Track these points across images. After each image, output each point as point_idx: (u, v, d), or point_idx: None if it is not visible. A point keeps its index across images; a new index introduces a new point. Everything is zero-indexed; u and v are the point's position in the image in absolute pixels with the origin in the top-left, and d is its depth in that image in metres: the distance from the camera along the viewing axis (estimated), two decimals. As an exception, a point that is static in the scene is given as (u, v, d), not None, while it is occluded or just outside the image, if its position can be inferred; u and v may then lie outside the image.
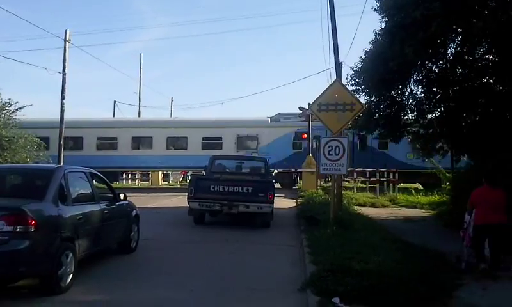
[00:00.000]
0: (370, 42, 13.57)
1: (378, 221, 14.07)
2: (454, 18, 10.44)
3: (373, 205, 19.07)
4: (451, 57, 12.63)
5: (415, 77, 13.51)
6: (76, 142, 28.08)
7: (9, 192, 6.95)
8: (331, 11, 13.69)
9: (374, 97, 14.01)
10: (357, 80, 14.04)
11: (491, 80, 12.42)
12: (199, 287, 6.75)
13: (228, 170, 15.03)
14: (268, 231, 12.35)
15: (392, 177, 23.09)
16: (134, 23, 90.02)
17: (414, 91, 14.05)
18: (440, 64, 12.93)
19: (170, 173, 35.95)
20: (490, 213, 7.70)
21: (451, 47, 12.62)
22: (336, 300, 5.66)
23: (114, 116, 39.26)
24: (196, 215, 12.87)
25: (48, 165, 13.30)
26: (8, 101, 23.16)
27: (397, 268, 6.83)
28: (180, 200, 16.80)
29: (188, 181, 20.01)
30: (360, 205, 18.13)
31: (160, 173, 33.60)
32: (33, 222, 5.68)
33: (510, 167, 10.04)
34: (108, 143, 28.56)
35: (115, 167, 28.06)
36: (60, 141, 24.79)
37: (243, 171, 15.12)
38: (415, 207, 18.78)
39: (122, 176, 33.66)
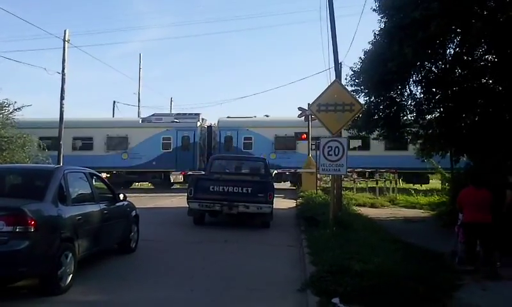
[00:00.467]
0: (369, 42, 13.58)
1: (378, 222, 14.09)
2: (453, 18, 10.44)
3: (373, 206, 19.10)
4: (450, 58, 12.63)
5: (414, 78, 13.51)
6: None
7: (9, 193, 6.96)
8: (330, 12, 13.70)
9: (373, 97, 14.01)
10: (356, 80, 14.05)
11: (490, 81, 12.43)
12: (199, 287, 6.75)
13: (227, 170, 15.03)
14: (268, 232, 12.36)
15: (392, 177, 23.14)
16: (133, 23, 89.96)
17: (413, 92, 14.06)
18: (439, 64, 12.93)
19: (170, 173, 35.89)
20: (476, 213, 7.95)
21: (450, 47, 12.63)
22: (336, 300, 5.66)
23: (113, 116, 39.24)
24: (196, 215, 12.88)
25: (48, 165, 13.29)
26: (5, 101, 23.14)
27: (397, 268, 6.84)
28: (180, 200, 16.80)
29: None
30: (360, 206, 18.16)
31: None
32: (33, 222, 5.68)
33: (509, 167, 10.10)
34: None
35: None
36: (60, 140, 24.78)
37: (243, 171, 15.12)
38: (414, 208, 18.81)
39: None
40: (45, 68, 43.02)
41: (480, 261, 7.97)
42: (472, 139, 12.29)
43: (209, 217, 13.60)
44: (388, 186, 23.69)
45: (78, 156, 25.83)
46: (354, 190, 23.71)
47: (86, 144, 28.20)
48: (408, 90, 14.03)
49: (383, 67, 11.62)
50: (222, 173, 14.36)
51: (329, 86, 11.31)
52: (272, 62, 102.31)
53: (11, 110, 23.38)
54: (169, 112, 29.57)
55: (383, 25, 12.84)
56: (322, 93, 10.91)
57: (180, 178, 29.46)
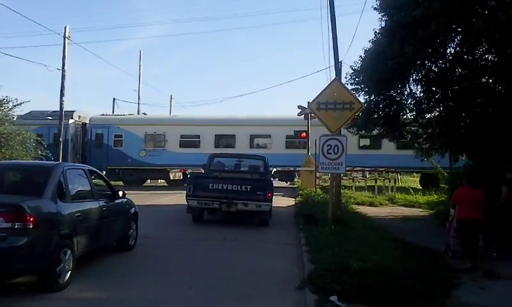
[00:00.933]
0: (369, 41, 13.58)
1: (376, 220, 14.10)
2: (454, 17, 10.43)
3: (371, 204, 19.13)
4: (450, 57, 12.63)
5: (414, 77, 13.50)
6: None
7: (8, 189, 6.95)
8: (331, 10, 13.68)
9: (373, 96, 14.01)
10: (356, 79, 14.04)
11: (490, 80, 12.42)
12: (197, 285, 6.75)
13: (227, 168, 15.03)
14: (267, 230, 12.36)
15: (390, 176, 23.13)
16: (133, 20, 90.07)
17: (413, 91, 14.05)
18: (440, 63, 12.92)
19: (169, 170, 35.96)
20: (470, 210, 8.41)
21: (451, 46, 12.63)
22: (334, 298, 5.67)
23: (113, 113, 39.18)
24: (195, 213, 12.88)
25: (47, 162, 13.27)
26: (5, 98, 23.11)
27: (395, 267, 6.86)
28: (179, 198, 16.81)
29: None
30: (359, 204, 18.18)
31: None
32: (32, 219, 5.68)
33: (508, 166, 10.12)
34: None
35: None
36: (60, 137, 24.77)
37: (242, 169, 15.12)
38: (413, 206, 18.84)
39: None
40: (45, 65, 43.19)
41: (481, 255, 8.43)
42: (472, 139, 12.29)
43: (208, 215, 13.60)
44: (387, 185, 23.72)
45: None
46: (353, 188, 23.74)
47: None
48: (407, 89, 14.03)
49: (383, 66, 11.62)
50: (221, 170, 14.37)
51: (329, 85, 11.31)
52: (272, 60, 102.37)
53: (10, 107, 23.36)
54: (39, 109, 29.58)
55: (383, 24, 12.84)
56: (322, 92, 10.91)
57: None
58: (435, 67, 13.08)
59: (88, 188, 7.68)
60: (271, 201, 12.58)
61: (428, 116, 14.57)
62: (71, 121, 28.51)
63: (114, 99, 41.01)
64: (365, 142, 25.79)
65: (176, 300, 6.19)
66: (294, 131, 27.17)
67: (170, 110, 45.01)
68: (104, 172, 23.21)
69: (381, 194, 22.31)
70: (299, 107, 24.98)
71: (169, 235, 11.01)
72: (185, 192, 12.95)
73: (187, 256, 8.86)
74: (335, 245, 8.26)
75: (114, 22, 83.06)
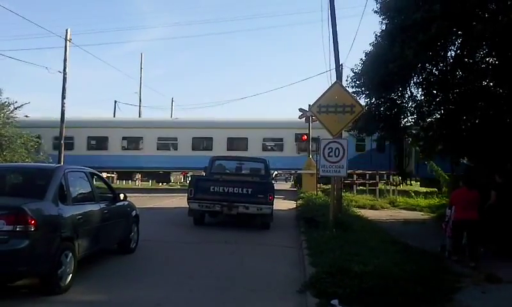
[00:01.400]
0: (370, 44, 13.60)
1: (377, 223, 14.10)
2: (454, 20, 10.44)
3: (373, 207, 19.13)
4: (451, 60, 12.63)
5: (415, 80, 13.51)
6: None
7: (9, 192, 6.96)
8: (331, 14, 13.73)
9: (374, 99, 14.01)
10: (357, 82, 14.05)
11: (491, 84, 12.42)
12: (198, 287, 6.75)
13: (228, 171, 15.04)
14: (268, 233, 12.36)
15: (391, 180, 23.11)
16: (135, 23, 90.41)
17: (414, 94, 14.06)
18: (440, 66, 12.93)
19: (170, 173, 36.02)
20: (466, 211, 8.90)
21: (451, 49, 12.63)
22: (335, 302, 5.66)
23: (114, 115, 39.24)
24: (196, 216, 12.89)
25: (49, 164, 13.30)
26: (7, 100, 23.18)
27: (396, 270, 6.84)
28: (180, 201, 16.82)
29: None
30: (360, 207, 18.17)
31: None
32: (33, 221, 5.68)
33: (509, 169, 10.15)
34: None
35: None
36: (61, 140, 24.81)
37: (243, 172, 15.14)
38: (414, 210, 18.83)
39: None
40: (46, 68, 43.31)
41: (467, 254, 8.92)
42: (473, 142, 12.29)
43: (209, 218, 13.61)
44: (388, 188, 23.71)
45: None
46: (355, 191, 23.73)
47: None
48: (408, 92, 14.03)
49: (384, 69, 11.62)
50: (222, 173, 14.38)
51: (330, 87, 11.32)
52: (273, 63, 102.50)
53: (11, 110, 23.43)
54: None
55: (384, 27, 12.86)
56: (323, 94, 10.92)
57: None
58: (436, 70, 13.08)
59: (89, 190, 7.69)
60: (272, 204, 12.59)
61: (429, 119, 14.56)
62: None
63: (115, 101, 41.17)
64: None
65: (177, 303, 6.19)
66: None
67: (171, 112, 45.16)
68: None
69: (382, 197, 22.29)
70: (300, 109, 25.02)
71: (170, 237, 11.01)
72: (186, 194, 12.96)
73: (188, 258, 8.87)
74: (336, 248, 8.25)
75: (116, 25, 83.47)
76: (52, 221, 6.23)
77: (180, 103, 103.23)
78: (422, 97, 13.97)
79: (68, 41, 25.05)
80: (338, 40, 13.69)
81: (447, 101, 13.08)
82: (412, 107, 14.34)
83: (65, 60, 25.06)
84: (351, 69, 14.53)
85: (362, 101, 13.49)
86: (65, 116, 24.91)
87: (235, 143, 27.93)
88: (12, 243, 5.54)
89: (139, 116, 39.97)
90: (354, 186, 24.49)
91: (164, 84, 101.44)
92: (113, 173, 32.71)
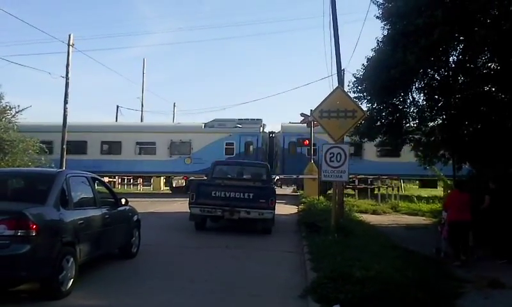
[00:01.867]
0: (372, 49, 13.60)
1: (379, 228, 14.05)
2: (456, 26, 10.46)
3: (374, 212, 19.05)
4: (453, 65, 12.64)
5: (417, 85, 13.51)
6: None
7: (11, 196, 6.96)
8: (333, 19, 13.77)
9: (375, 104, 14.00)
10: (359, 87, 14.04)
11: (493, 89, 12.41)
12: (199, 292, 6.74)
13: (229, 176, 15.02)
14: (269, 238, 12.33)
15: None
16: (138, 28, 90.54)
17: (416, 99, 14.05)
18: (442, 71, 12.93)
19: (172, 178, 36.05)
20: (459, 212, 9.37)
21: (453, 54, 12.64)
22: (336, 307, 5.64)
23: (116, 120, 39.29)
24: (198, 220, 12.86)
25: (50, 169, 13.30)
26: (8, 104, 23.20)
27: (398, 275, 6.81)
28: (182, 205, 16.80)
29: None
30: (362, 212, 18.12)
31: (161, 178, 33.61)
32: (34, 226, 5.68)
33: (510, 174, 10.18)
34: None
35: None
36: (63, 145, 24.85)
37: (245, 176, 15.10)
38: (416, 215, 18.75)
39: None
40: (49, 72, 43.45)
41: (464, 254, 9.30)
42: (475, 147, 12.27)
43: (211, 223, 13.59)
44: (390, 193, 23.65)
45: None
46: (356, 196, 23.68)
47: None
48: (410, 97, 14.02)
49: (386, 74, 11.62)
50: (224, 178, 14.35)
51: (331, 93, 11.33)
52: (275, 68, 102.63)
53: (13, 114, 23.45)
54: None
55: (386, 33, 12.87)
56: (325, 99, 10.93)
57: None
58: (438, 75, 13.09)
59: (91, 195, 7.69)
60: (274, 209, 12.56)
61: (431, 124, 14.54)
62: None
63: (117, 106, 41.21)
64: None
65: (178, 308, 6.18)
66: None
67: (173, 117, 45.23)
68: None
69: (384, 202, 22.24)
70: (302, 114, 25.00)
71: (171, 242, 11.00)
72: (187, 199, 12.95)
73: (189, 263, 8.85)
74: (337, 253, 8.23)
75: (118, 30, 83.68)
76: (54, 226, 6.23)
77: (182, 108, 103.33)
78: (424, 102, 13.97)
79: (70, 47, 25.14)
80: (340, 45, 13.73)
81: (449, 106, 13.07)
82: (414, 112, 14.33)
83: (68, 65, 25.15)
84: (353, 74, 14.54)
85: (364, 106, 13.49)
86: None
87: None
88: (13, 248, 5.54)
89: (141, 121, 39.99)
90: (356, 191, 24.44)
91: (166, 89, 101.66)
92: (114, 177, 32.77)
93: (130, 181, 34.84)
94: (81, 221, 6.86)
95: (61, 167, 23.26)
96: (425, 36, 10.30)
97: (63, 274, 6.16)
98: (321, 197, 21.55)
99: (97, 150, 28.43)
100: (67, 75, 25.08)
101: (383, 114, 14.22)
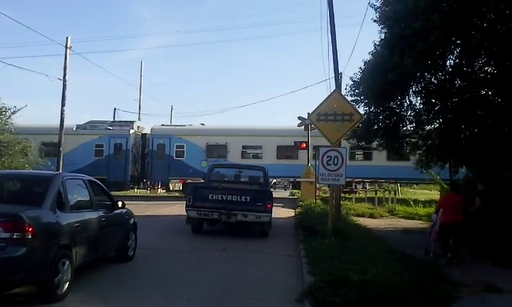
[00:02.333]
0: (369, 53, 13.61)
1: (376, 232, 14.05)
2: (453, 30, 10.48)
3: (371, 216, 19.06)
4: (450, 69, 12.66)
5: (414, 88, 13.53)
6: None
7: (7, 199, 6.92)
8: (331, 22, 13.78)
9: (373, 108, 14.01)
10: (356, 90, 14.06)
11: (489, 92, 12.44)
12: (196, 296, 6.72)
13: (226, 179, 15.02)
14: (266, 241, 12.32)
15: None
16: (136, 31, 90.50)
17: (413, 102, 14.06)
18: (439, 75, 12.95)
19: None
20: (453, 214, 9.75)
21: (450, 58, 12.66)
22: (333, 311, 5.63)
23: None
24: (194, 223, 12.85)
25: (47, 172, 13.26)
26: (3, 106, 23.11)
27: (395, 279, 6.80)
28: (179, 208, 16.78)
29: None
30: (359, 216, 18.11)
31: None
32: (30, 229, 5.66)
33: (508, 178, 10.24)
34: None
35: None
36: (59, 147, 24.77)
37: (242, 180, 15.10)
38: (413, 218, 18.77)
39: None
40: (46, 75, 43.41)
41: (452, 253, 9.65)
42: (471, 151, 12.29)
43: (208, 226, 13.57)
44: (387, 196, 23.68)
45: None
46: (353, 200, 23.70)
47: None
48: (407, 101, 14.04)
49: (383, 77, 11.64)
50: (221, 181, 14.35)
51: (329, 96, 11.34)
52: (272, 71, 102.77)
53: (8, 115, 23.35)
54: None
55: (383, 36, 12.89)
56: (322, 103, 10.93)
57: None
58: (435, 79, 13.11)
59: (87, 198, 7.66)
60: (271, 212, 12.55)
61: (428, 127, 14.57)
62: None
63: (114, 109, 41.20)
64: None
65: (174, 312, 6.16)
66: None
67: (171, 120, 45.18)
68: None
69: (381, 205, 22.25)
70: (299, 118, 25.06)
71: (168, 245, 10.97)
72: (184, 202, 12.93)
73: (186, 266, 8.83)
74: (334, 257, 8.22)
75: (116, 33, 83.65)
76: (50, 229, 6.20)
77: (180, 110, 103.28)
78: (421, 106, 13.98)
79: (68, 49, 25.09)
80: (337, 49, 13.75)
81: (446, 110, 13.09)
82: (411, 116, 14.35)
83: (65, 67, 25.07)
84: (350, 78, 14.55)
85: (361, 109, 13.50)
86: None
87: None
88: (9, 250, 5.52)
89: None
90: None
91: (164, 91, 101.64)
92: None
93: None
94: (77, 224, 6.83)
95: (57, 169, 23.18)
96: (422, 39, 10.33)
97: (59, 276, 6.13)
98: (318, 200, 21.55)
99: None
100: (64, 77, 25.01)
101: (380, 117, 14.23)
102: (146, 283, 7.39)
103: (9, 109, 23.29)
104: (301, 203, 21.78)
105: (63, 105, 25.08)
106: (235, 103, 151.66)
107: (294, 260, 9.68)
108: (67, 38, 25.29)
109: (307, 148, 25.31)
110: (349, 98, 13.38)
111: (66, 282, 6.28)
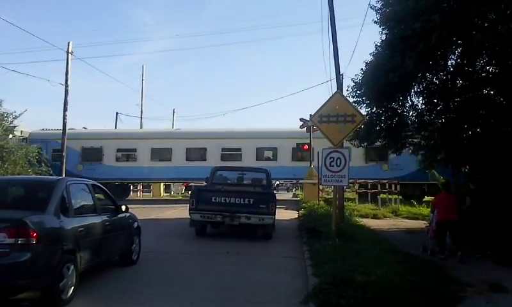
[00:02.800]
0: (370, 54, 13.60)
1: (380, 233, 14.03)
2: (454, 30, 10.47)
3: (375, 217, 19.02)
4: (451, 69, 12.63)
5: (415, 89, 13.49)
6: None
7: (11, 204, 6.95)
8: (332, 24, 13.81)
9: (374, 108, 13.99)
10: (358, 91, 14.03)
11: (491, 92, 12.42)
12: (200, 299, 6.72)
13: (229, 181, 15.01)
14: (269, 243, 12.32)
15: (393, 188, 23.05)
16: (137, 35, 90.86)
17: (415, 103, 14.01)
18: (441, 75, 12.92)
19: (172, 184, 36.05)
20: (447, 212, 10.14)
21: (451, 58, 12.63)
22: (338, 312, 5.63)
23: (116, 127, 39.29)
24: (198, 226, 12.85)
25: (50, 177, 13.29)
26: (5, 112, 23.17)
27: (400, 280, 6.80)
28: (182, 211, 16.78)
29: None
30: (362, 217, 18.07)
31: (161, 184, 33.62)
32: (35, 234, 5.67)
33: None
34: None
35: None
36: (62, 152, 24.84)
37: (245, 182, 15.10)
38: (416, 219, 18.71)
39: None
40: (48, 80, 43.48)
41: (449, 251, 9.96)
42: (474, 150, 12.27)
43: (211, 229, 13.57)
44: (390, 197, 23.63)
45: None
46: (356, 201, 23.66)
47: None
48: (409, 101, 14.01)
49: (385, 78, 11.63)
50: (224, 184, 14.35)
51: (330, 97, 11.34)
52: (274, 73, 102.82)
53: (10, 120, 23.42)
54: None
55: (384, 37, 12.88)
56: (324, 104, 10.94)
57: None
58: (436, 79, 13.08)
59: (91, 203, 7.69)
60: (274, 214, 12.55)
61: (430, 128, 14.54)
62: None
63: (116, 113, 41.24)
64: None
65: (179, 316, 6.16)
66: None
67: (173, 123, 45.26)
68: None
69: (384, 206, 22.21)
70: (301, 119, 25.03)
71: (172, 249, 10.98)
72: (187, 205, 12.95)
73: (189, 270, 8.83)
74: (338, 258, 8.22)
75: (117, 37, 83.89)
76: (54, 234, 6.22)
77: (182, 114, 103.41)
78: (423, 106, 13.95)
79: (69, 54, 25.17)
80: (338, 50, 13.76)
81: (448, 110, 13.07)
82: (413, 116, 14.31)
83: (67, 73, 25.14)
84: (352, 79, 14.52)
85: (363, 110, 13.48)
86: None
87: None
88: (13, 256, 5.53)
89: (141, 128, 39.98)
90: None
91: (166, 95, 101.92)
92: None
93: None
94: (81, 229, 6.85)
95: (61, 174, 23.23)
96: (423, 40, 10.32)
97: (64, 281, 6.15)
98: (321, 202, 21.52)
99: None
100: (66, 82, 25.08)
101: (382, 118, 14.20)
102: (150, 287, 7.39)
103: (10, 114, 23.36)
104: (304, 204, 21.77)
105: (65, 110, 25.16)
106: (236, 106, 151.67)
107: (298, 262, 9.67)
108: (68, 43, 25.38)
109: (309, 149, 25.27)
110: (351, 99, 13.37)
111: (71, 287, 6.30)
